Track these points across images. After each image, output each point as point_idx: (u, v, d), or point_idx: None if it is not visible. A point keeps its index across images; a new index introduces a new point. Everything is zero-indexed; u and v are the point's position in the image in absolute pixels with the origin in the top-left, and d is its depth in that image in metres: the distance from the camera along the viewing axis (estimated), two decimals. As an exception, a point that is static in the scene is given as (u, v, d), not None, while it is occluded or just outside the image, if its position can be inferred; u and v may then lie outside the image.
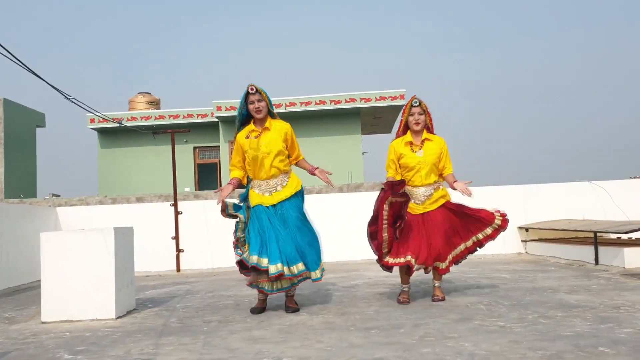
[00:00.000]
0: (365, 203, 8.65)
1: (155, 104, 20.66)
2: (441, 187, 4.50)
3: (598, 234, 6.94)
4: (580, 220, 8.07)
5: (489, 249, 8.55)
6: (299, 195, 4.41)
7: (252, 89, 4.35)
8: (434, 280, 4.50)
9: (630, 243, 6.63)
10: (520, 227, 8.58)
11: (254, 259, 4.09)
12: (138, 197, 15.49)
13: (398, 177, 4.44)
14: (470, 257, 8.28)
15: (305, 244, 4.26)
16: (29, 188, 20.26)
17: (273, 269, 4.06)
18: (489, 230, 4.45)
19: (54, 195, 19.39)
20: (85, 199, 15.79)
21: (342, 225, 8.60)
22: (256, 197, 4.34)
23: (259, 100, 4.35)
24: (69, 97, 4.83)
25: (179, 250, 8.41)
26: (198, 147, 19.96)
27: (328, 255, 8.55)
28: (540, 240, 8.29)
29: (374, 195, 9.17)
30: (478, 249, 4.52)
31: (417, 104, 4.44)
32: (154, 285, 6.68)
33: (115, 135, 19.68)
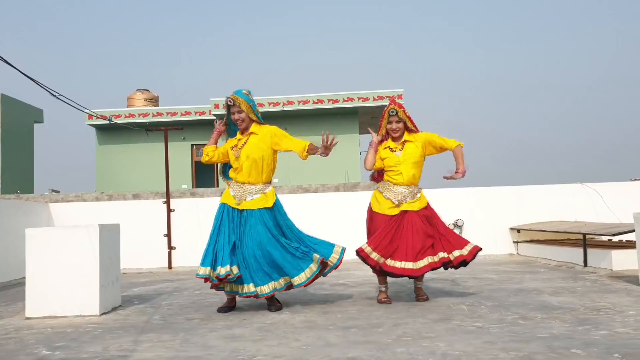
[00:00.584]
0: (361, 203, 8.63)
1: (154, 101, 20.67)
2: (419, 194, 4.50)
3: (588, 236, 6.95)
4: (571, 222, 8.08)
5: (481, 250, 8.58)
6: (269, 211, 4.28)
7: (230, 101, 4.36)
8: (415, 281, 4.51)
9: (620, 245, 6.65)
10: (512, 228, 8.60)
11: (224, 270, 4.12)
12: (134, 194, 15.47)
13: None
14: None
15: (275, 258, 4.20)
16: (26, 184, 20.27)
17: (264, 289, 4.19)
18: (456, 253, 4.33)
19: (53, 191, 19.38)
20: (82, 195, 15.76)
21: (337, 224, 8.59)
22: (227, 196, 4.38)
23: (238, 112, 4.35)
24: (56, 94, 4.83)
25: (170, 248, 8.43)
26: (195, 144, 19.96)
27: (320, 254, 8.61)
28: (531, 241, 8.30)
29: (371, 195, 9.20)
30: (442, 268, 4.38)
31: (394, 113, 4.46)
32: (143, 282, 6.69)
33: (113, 131, 19.68)
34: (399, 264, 4.26)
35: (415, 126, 4.54)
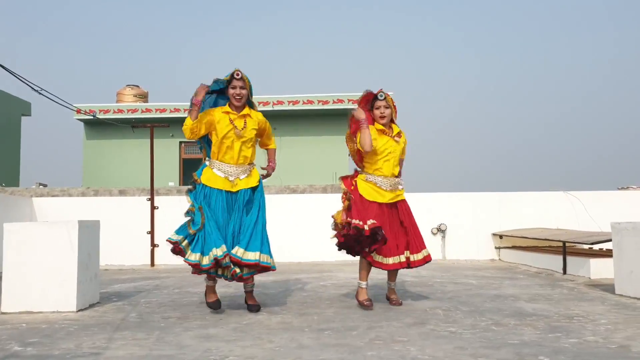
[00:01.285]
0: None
1: (143, 97, 20.57)
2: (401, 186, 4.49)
3: (569, 244, 7.02)
4: (552, 229, 8.15)
5: (463, 255, 8.67)
6: (259, 189, 4.38)
7: (237, 74, 4.29)
8: (389, 281, 4.52)
9: (599, 254, 6.72)
10: (494, 234, 8.66)
11: (216, 252, 3.97)
12: (121, 190, 15.43)
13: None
14: (442, 262, 8.41)
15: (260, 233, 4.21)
16: (11, 177, 20.14)
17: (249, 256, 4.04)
18: (419, 256, 4.35)
19: (41, 184, 19.25)
20: (68, 189, 15.68)
21: (322, 225, 8.57)
22: (215, 179, 4.23)
23: (241, 87, 4.29)
24: (38, 89, 4.80)
25: (153, 245, 8.41)
26: (184, 142, 19.90)
27: (305, 255, 8.65)
28: (513, 247, 8.37)
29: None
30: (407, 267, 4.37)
31: (383, 97, 4.38)
32: (124, 279, 6.67)
33: (101, 127, 19.56)
34: (391, 260, 4.26)
35: (396, 118, 4.52)
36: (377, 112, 4.41)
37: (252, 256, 4.05)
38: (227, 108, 4.36)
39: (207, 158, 4.43)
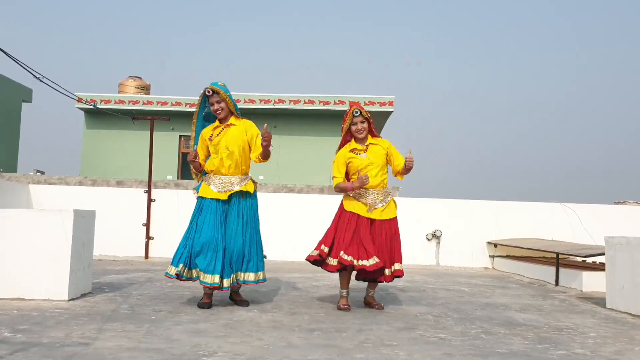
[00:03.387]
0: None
1: (145, 89, 20.54)
2: (390, 198, 4.50)
3: (563, 256, 7.03)
4: (547, 240, 8.17)
5: (457, 262, 8.68)
6: (253, 197, 4.42)
7: (208, 92, 4.36)
8: (368, 289, 4.55)
9: (592, 267, 6.73)
10: (489, 242, 8.67)
11: (204, 277, 4.14)
12: (118, 181, 15.42)
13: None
14: (436, 268, 8.42)
15: (250, 246, 4.32)
16: (10, 163, 20.11)
17: (225, 283, 4.17)
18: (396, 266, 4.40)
19: (38, 171, 19.22)
20: (65, 178, 15.66)
21: (317, 226, 8.55)
22: (209, 191, 4.32)
23: (217, 102, 4.36)
24: (40, 77, 4.79)
25: (148, 238, 8.41)
26: (184, 135, 19.88)
27: (300, 255, 8.64)
28: (507, 256, 8.38)
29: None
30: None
31: (358, 113, 4.48)
32: (117, 270, 6.67)
33: (102, 117, 19.54)
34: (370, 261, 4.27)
35: (374, 129, 4.60)
36: (353, 128, 4.53)
37: (253, 277, 4.30)
38: (215, 124, 4.45)
39: (202, 177, 4.53)
